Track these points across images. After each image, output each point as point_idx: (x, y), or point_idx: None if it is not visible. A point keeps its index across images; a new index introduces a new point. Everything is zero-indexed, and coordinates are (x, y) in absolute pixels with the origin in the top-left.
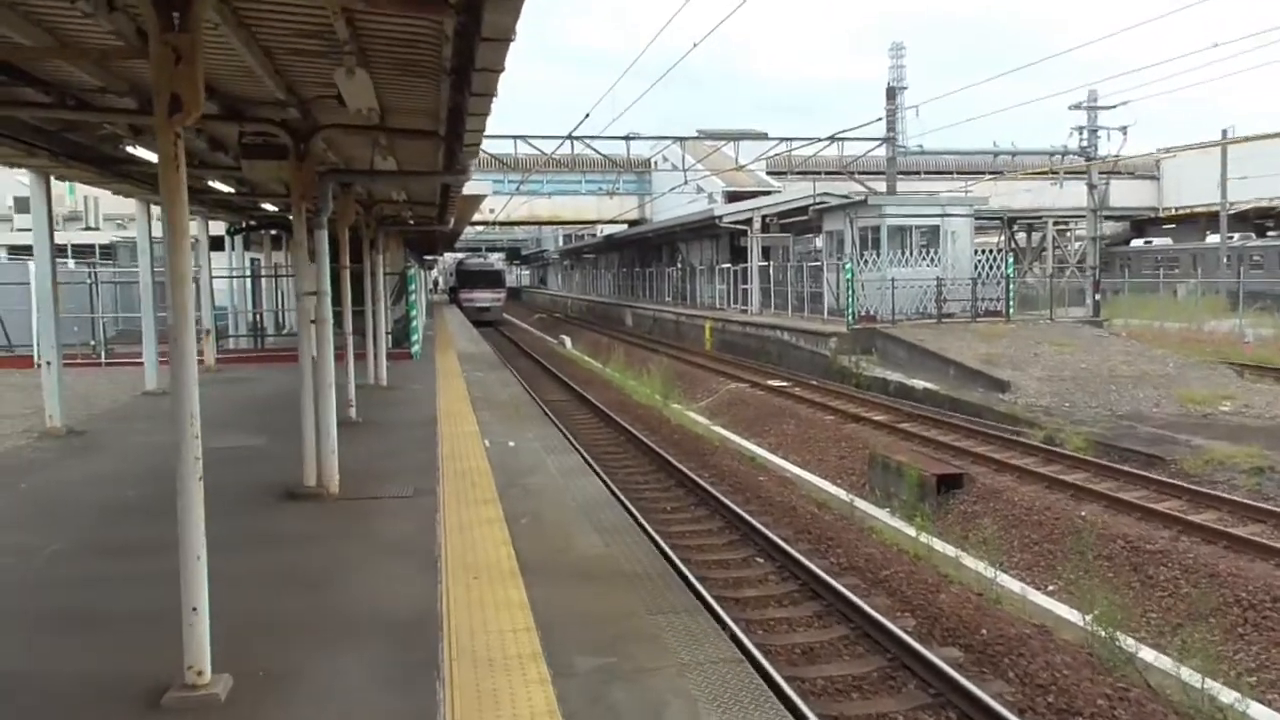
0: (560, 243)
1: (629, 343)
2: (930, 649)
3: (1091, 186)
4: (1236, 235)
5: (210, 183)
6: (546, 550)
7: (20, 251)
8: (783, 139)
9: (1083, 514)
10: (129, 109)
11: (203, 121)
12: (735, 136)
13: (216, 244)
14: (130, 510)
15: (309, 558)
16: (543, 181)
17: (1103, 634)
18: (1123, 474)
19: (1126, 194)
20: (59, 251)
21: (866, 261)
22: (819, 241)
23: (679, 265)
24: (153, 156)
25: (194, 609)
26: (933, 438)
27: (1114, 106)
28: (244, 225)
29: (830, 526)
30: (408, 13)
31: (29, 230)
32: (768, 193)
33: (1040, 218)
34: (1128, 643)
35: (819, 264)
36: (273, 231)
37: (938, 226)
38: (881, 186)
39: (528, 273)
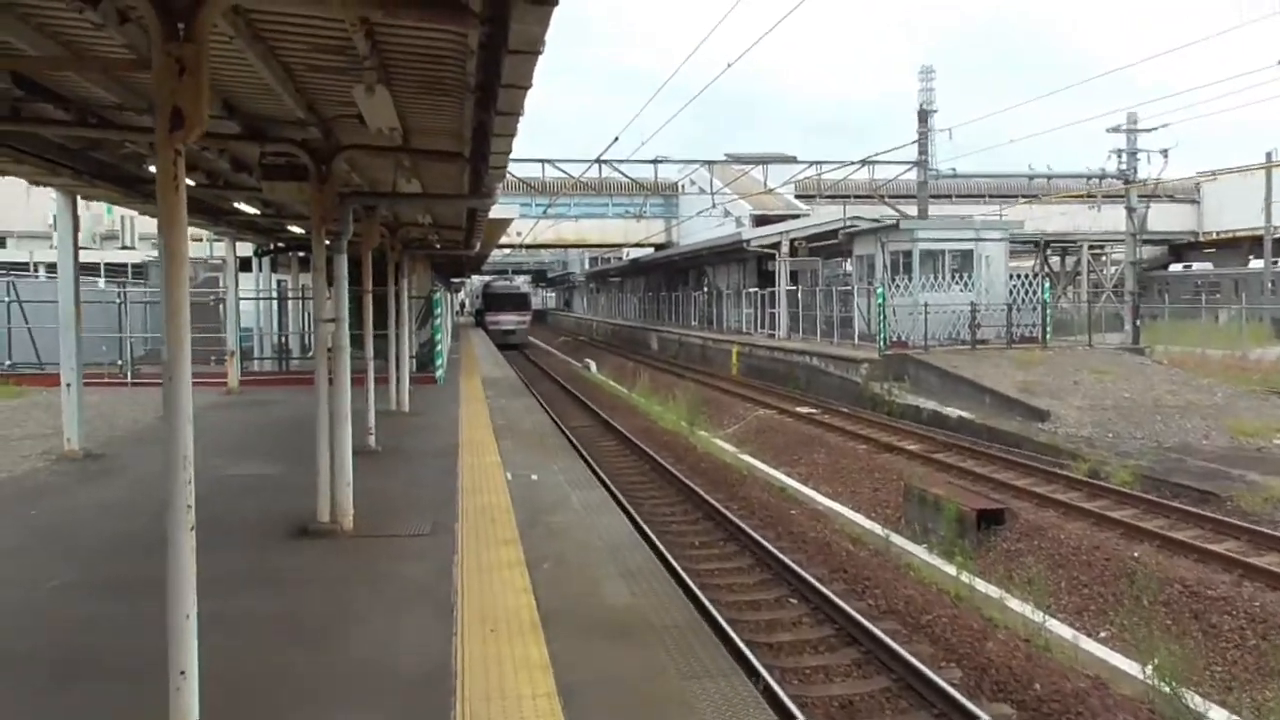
0: (586, 266)
1: (654, 367)
2: (981, 705)
3: (1130, 210)
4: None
5: (236, 204)
6: (570, 599)
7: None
8: (812, 162)
9: (1135, 554)
10: (148, 127)
11: (224, 141)
12: (763, 160)
13: (244, 266)
14: (137, 543)
15: (316, 603)
16: (570, 204)
17: (1165, 689)
18: (1175, 511)
19: (1165, 218)
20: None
21: (898, 286)
22: (849, 265)
23: (705, 289)
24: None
25: (181, 672)
26: (970, 469)
27: (1154, 129)
28: (271, 247)
29: (866, 564)
30: (429, 24)
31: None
32: (796, 216)
33: (1075, 242)
34: (1194, 700)
35: (849, 288)
36: (300, 254)
37: (971, 250)
38: (912, 210)
39: (553, 295)
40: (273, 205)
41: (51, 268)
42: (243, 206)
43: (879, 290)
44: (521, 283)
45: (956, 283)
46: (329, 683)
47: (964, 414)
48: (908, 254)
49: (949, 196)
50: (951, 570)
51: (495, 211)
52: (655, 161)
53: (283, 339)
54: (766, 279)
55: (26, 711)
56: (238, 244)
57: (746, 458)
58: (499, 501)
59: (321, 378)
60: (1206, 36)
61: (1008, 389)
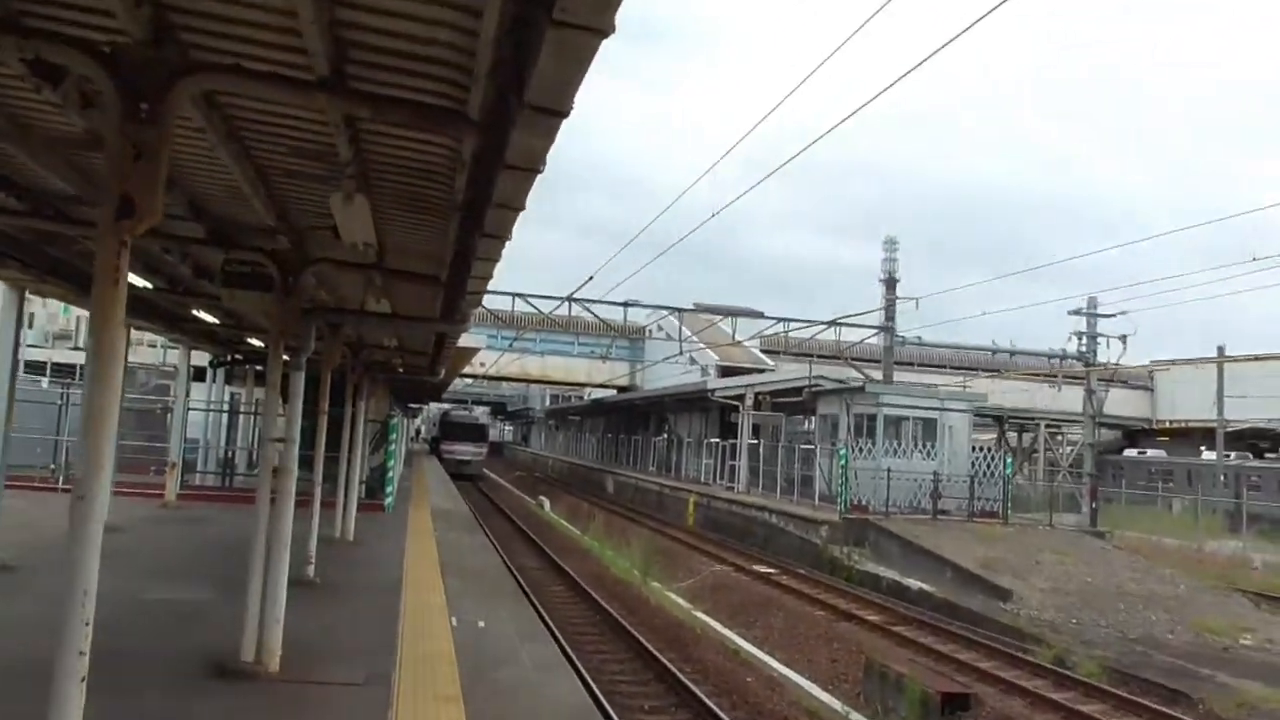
0: (546, 402)
1: (609, 510)
2: None
3: (1090, 392)
4: (1233, 454)
5: (195, 311)
6: None
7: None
8: (779, 319)
9: None
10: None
11: (187, 244)
12: (731, 312)
13: (199, 375)
14: (41, 677)
15: None
16: (536, 339)
17: None
18: (1146, 711)
19: (1120, 403)
20: (37, 369)
21: (861, 449)
22: (811, 423)
23: (666, 435)
24: (135, 279)
25: None
26: (931, 646)
27: (1113, 315)
28: (229, 359)
29: None
30: (419, 131)
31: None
32: (761, 370)
33: (1033, 419)
34: None
35: (811, 446)
36: (258, 368)
37: (935, 419)
38: (876, 373)
39: (511, 429)
40: (234, 315)
41: None
42: (202, 314)
43: (842, 452)
44: (480, 414)
45: (919, 450)
46: None
47: (925, 586)
48: (872, 417)
49: (911, 364)
50: None
51: (463, 341)
52: (626, 304)
53: (229, 453)
54: (728, 430)
55: None
56: (193, 353)
57: (701, 615)
58: (442, 649)
59: (263, 500)
60: (1157, 234)
61: (970, 564)
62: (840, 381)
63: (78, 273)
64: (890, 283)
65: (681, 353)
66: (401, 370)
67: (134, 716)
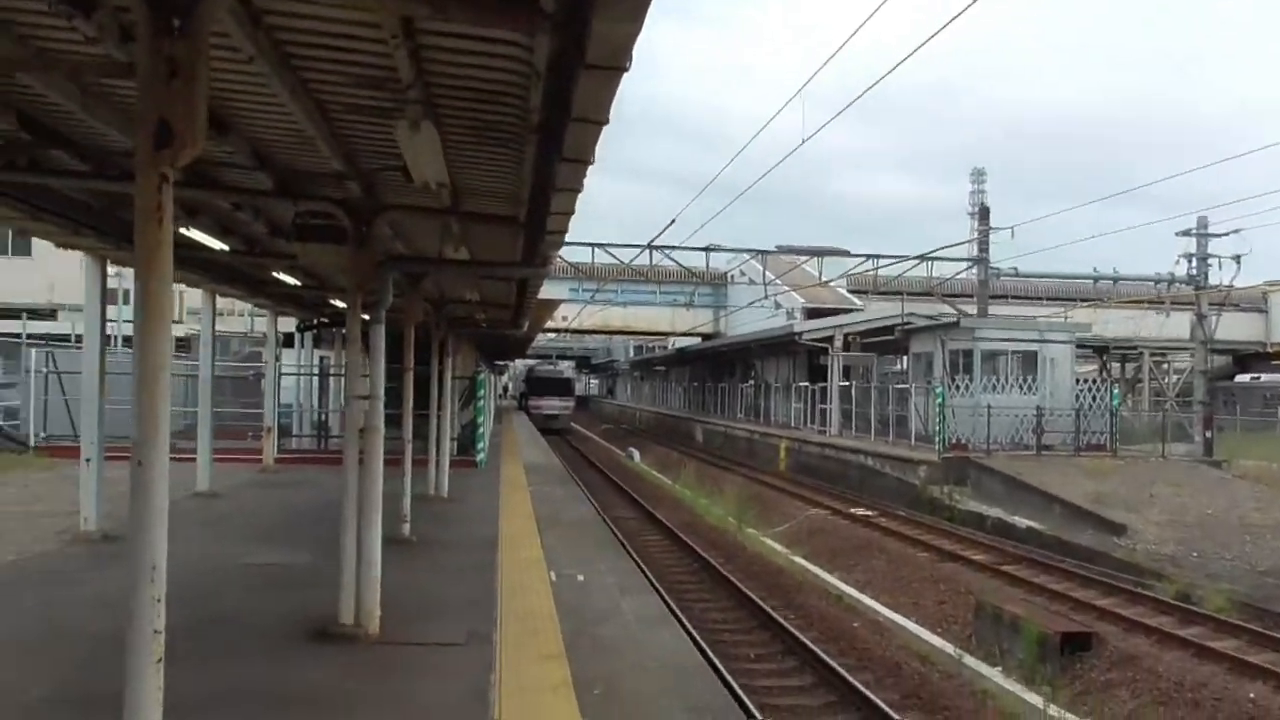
0: (630, 353)
1: (698, 459)
2: None
3: (1201, 317)
4: None
5: (275, 273)
6: None
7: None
8: (868, 256)
9: (1250, 695)
10: (176, 180)
11: (256, 198)
12: (817, 252)
13: (287, 341)
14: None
15: None
16: (618, 291)
17: None
18: None
19: (1230, 327)
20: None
21: (957, 386)
22: (903, 363)
23: (753, 381)
24: (210, 241)
25: None
26: (1043, 584)
27: (1225, 234)
28: (315, 322)
29: (940, 690)
30: (488, 28)
31: (114, 321)
32: (849, 310)
33: (1136, 348)
34: None
35: (905, 386)
36: (344, 330)
37: (1035, 352)
38: (970, 309)
39: (596, 382)
40: (313, 275)
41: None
42: (283, 277)
43: (938, 390)
44: (566, 368)
45: (1019, 385)
46: None
47: (1032, 523)
48: (968, 353)
49: (1005, 297)
50: (1034, 700)
51: (544, 293)
52: (707, 249)
53: (322, 416)
54: (817, 373)
55: None
56: (280, 319)
57: (800, 560)
58: (542, 606)
59: (351, 460)
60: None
61: (1079, 499)
62: (933, 318)
63: None
64: (983, 212)
65: (766, 296)
66: (484, 325)
67: (237, 683)
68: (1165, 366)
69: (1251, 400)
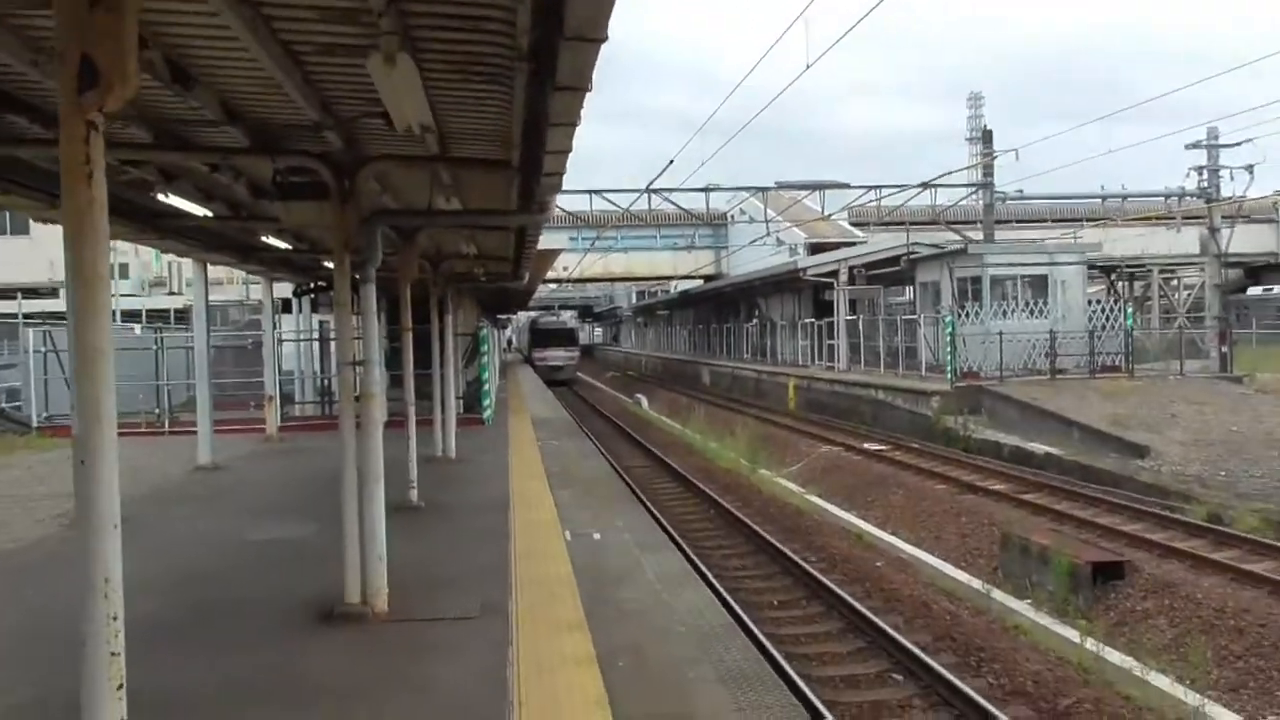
0: (633, 300)
1: (707, 402)
2: None
3: (1213, 230)
4: None
5: (264, 238)
6: (657, 717)
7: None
8: (869, 187)
9: None
10: (145, 143)
11: (231, 156)
12: (818, 186)
13: (285, 307)
14: (142, 634)
15: None
16: (617, 237)
17: None
18: None
19: (1241, 239)
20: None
21: (966, 314)
22: (909, 293)
23: (757, 321)
24: (191, 207)
25: None
26: (1068, 513)
27: (1237, 144)
28: (310, 286)
29: (972, 628)
30: None
31: (114, 296)
32: (852, 244)
33: (1144, 266)
34: None
35: (913, 317)
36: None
37: (1045, 276)
38: (975, 235)
39: (600, 330)
40: (304, 239)
41: None
42: (271, 241)
43: (948, 319)
44: (568, 318)
45: (1029, 309)
46: None
47: (1051, 450)
48: (976, 280)
49: (1009, 222)
50: (1068, 633)
51: (544, 242)
52: (706, 190)
53: (324, 382)
54: (823, 309)
55: None
56: (275, 285)
57: (815, 499)
58: (558, 570)
59: (347, 431)
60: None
61: (1097, 422)
62: (938, 246)
63: (128, 206)
64: (986, 135)
65: (769, 234)
66: (484, 279)
67: (241, 672)
68: (1175, 283)
69: (1265, 312)
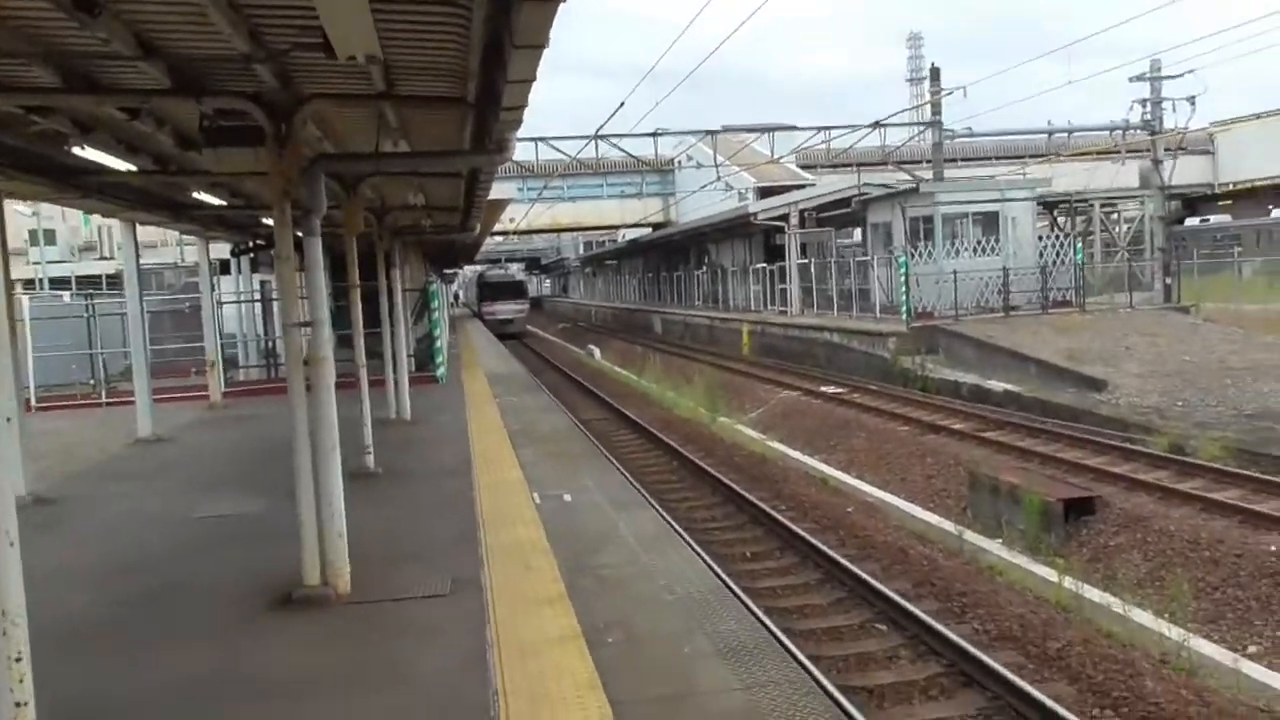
0: (580, 250)
1: (660, 350)
2: None
3: (1157, 162)
4: None
5: (196, 194)
6: (659, 701)
7: (31, 287)
8: (819, 128)
9: (1271, 548)
10: (50, 86)
11: (149, 98)
12: (766, 128)
13: (225, 268)
14: (75, 633)
15: None
16: (564, 187)
17: None
18: None
19: (1179, 171)
20: (63, 285)
21: (918, 253)
22: (859, 235)
23: (707, 267)
24: (112, 161)
25: None
26: (1031, 449)
27: (1179, 75)
28: (250, 245)
29: (950, 572)
30: None
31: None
32: (802, 186)
33: (1086, 200)
34: None
35: (865, 259)
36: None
37: (996, 212)
38: (923, 175)
39: (548, 282)
40: (241, 195)
41: (29, 284)
42: (204, 197)
43: (901, 259)
44: (516, 271)
45: (982, 247)
46: None
47: (1009, 387)
48: (928, 219)
49: (955, 160)
50: (1045, 573)
51: (493, 192)
52: (655, 134)
53: (269, 344)
54: (774, 253)
55: None
56: (212, 245)
57: (778, 445)
58: (531, 536)
59: (296, 397)
60: None
61: (1054, 357)
62: (888, 187)
63: (46, 162)
64: (934, 73)
65: (718, 179)
66: (431, 231)
67: (191, 668)
68: (1115, 217)
69: (1202, 242)
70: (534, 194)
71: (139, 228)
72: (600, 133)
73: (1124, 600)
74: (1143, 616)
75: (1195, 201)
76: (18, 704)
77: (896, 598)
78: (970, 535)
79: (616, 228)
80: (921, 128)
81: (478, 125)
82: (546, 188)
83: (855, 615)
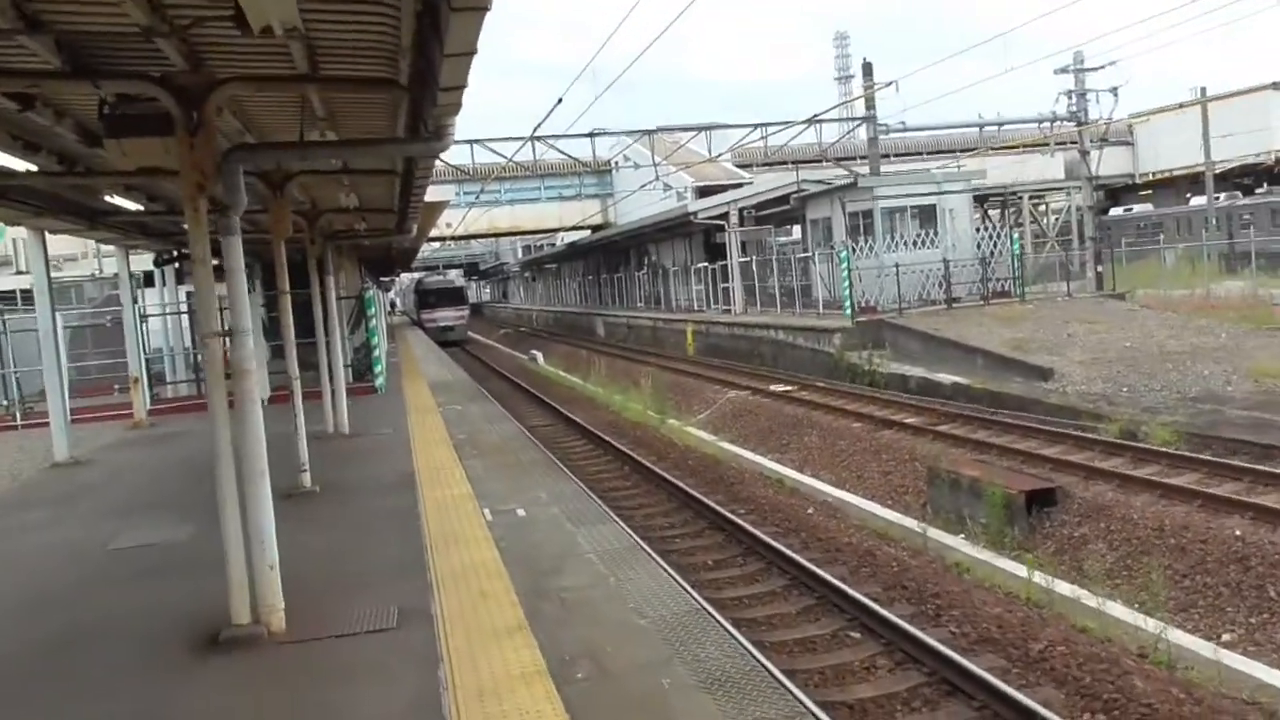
0: (519, 254)
1: (604, 353)
2: None
3: (1084, 153)
4: (1222, 195)
5: (109, 197)
6: None
7: None
8: (756, 125)
9: (1236, 533)
10: None
11: (36, 81)
12: (703, 127)
13: (149, 280)
14: None
15: None
16: (501, 190)
17: None
18: (1248, 473)
19: (1103, 162)
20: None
21: (859, 248)
22: (798, 232)
23: (648, 268)
24: (18, 164)
25: None
26: (986, 440)
27: (1102, 67)
28: (174, 254)
29: (919, 572)
30: None
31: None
32: (741, 184)
33: (1015, 193)
34: None
35: (806, 255)
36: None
37: (934, 206)
38: (860, 170)
39: (488, 288)
40: (159, 198)
41: None
42: (119, 201)
43: (842, 254)
44: (455, 276)
45: (921, 240)
46: None
47: (958, 379)
48: (868, 213)
49: (888, 156)
50: (1013, 568)
51: (430, 194)
52: (592, 135)
53: (197, 358)
54: (714, 252)
55: None
56: (132, 255)
57: (730, 446)
58: (484, 558)
59: (218, 416)
60: None
61: (1000, 348)
62: (826, 183)
63: None
64: (866, 68)
65: (656, 179)
66: (366, 234)
67: None
68: (1043, 208)
69: (1126, 231)
70: (471, 197)
71: (54, 237)
72: (537, 133)
73: (1095, 593)
74: (1116, 609)
75: (1118, 191)
76: None
77: (869, 602)
78: (934, 532)
79: (555, 230)
80: (856, 123)
81: (412, 111)
82: (484, 191)
83: (826, 623)
